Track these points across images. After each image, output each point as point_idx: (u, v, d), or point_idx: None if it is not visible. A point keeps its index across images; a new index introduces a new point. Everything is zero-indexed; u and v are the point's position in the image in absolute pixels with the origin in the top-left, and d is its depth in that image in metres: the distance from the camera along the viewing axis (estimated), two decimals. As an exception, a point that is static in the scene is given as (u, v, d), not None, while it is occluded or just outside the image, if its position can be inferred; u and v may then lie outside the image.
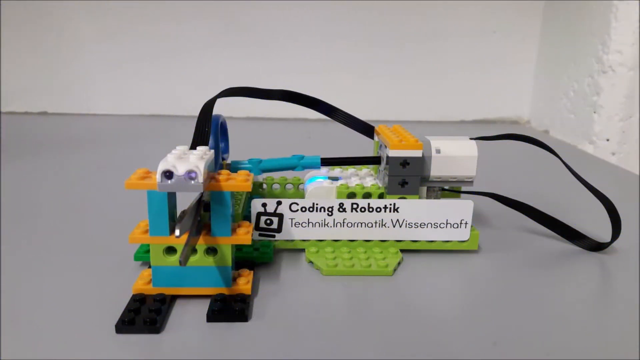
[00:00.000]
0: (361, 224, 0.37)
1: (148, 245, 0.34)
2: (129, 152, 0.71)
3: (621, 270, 0.37)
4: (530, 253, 0.39)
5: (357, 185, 0.39)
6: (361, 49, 0.95)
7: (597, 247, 0.39)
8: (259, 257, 0.36)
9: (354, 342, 0.27)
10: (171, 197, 0.30)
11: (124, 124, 0.91)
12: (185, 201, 0.31)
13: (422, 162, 0.38)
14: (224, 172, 0.30)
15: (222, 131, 0.42)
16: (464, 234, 0.38)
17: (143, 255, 0.35)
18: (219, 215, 0.29)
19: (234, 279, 0.31)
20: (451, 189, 0.44)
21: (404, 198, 0.38)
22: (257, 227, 0.37)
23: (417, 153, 0.37)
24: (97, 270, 0.34)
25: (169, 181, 0.27)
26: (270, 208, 0.37)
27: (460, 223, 0.37)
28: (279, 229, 0.37)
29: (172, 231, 0.29)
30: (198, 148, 0.30)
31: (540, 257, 0.39)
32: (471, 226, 0.38)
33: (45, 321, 0.28)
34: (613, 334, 0.29)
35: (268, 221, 0.37)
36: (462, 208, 0.37)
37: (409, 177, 0.38)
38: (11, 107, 0.97)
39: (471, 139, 0.40)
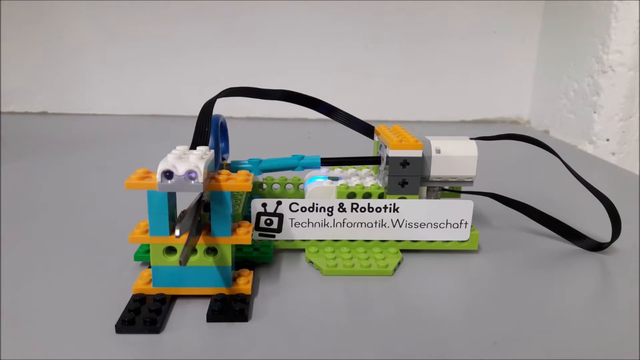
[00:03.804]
0: (361, 224, 0.37)
1: (148, 245, 0.34)
2: (129, 152, 0.71)
3: (621, 270, 0.37)
4: (530, 253, 0.39)
5: (357, 185, 0.39)
6: (361, 48, 0.95)
7: (597, 247, 0.39)
8: (259, 257, 0.36)
9: (354, 342, 0.27)
10: (171, 197, 0.30)
11: (124, 124, 0.91)
12: (185, 201, 0.31)
13: (422, 162, 0.38)
14: (224, 172, 0.30)
15: (222, 131, 0.42)
16: (464, 234, 0.38)
17: (143, 255, 0.35)
18: (219, 215, 0.29)
19: (234, 279, 0.31)
20: (451, 189, 0.44)
21: (404, 198, 0.38)
22: (257, 227, 0.37)
23: (417, 153, 0.37)
24: (97, 270, 0.34)
25: (169, 181, 0.27)
26: (270, 208, 0.37)
27: (460, 223, 0.37)
28: (279, 229, 0.37)
29: (172, 231, 0.29)
30: (198, 148, 0.30)
31: (540, 257, 0.39)
32: (471, 226, 0.38)
33: (45, 321, 0.28)
34: (613, 334, 0.29)
35: (268, 221, 0.37)
36: (462, 208, 0.37)
37: (409, 177, 0.38)
38: (11, 107, 0.97)
39: (471, 139, 0.40)
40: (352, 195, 0.39)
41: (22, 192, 0.51)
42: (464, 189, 0.44)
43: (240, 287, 0.31)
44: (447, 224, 0.38)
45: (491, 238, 0.41)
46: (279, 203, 0.37)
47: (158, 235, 0.29)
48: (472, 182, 0.40)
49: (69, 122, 0.92)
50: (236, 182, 0.29)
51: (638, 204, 0.52)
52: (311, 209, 0.37)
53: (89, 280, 0.33)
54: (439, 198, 0.42)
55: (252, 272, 0.33)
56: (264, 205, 0.37)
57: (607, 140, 0.77)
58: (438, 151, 0.38)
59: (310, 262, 0.36)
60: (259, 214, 0.37)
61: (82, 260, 0.36)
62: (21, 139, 0.77)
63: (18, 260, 0.36)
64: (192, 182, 0.26)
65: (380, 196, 0.39)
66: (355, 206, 0.37)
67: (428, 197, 0.40)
